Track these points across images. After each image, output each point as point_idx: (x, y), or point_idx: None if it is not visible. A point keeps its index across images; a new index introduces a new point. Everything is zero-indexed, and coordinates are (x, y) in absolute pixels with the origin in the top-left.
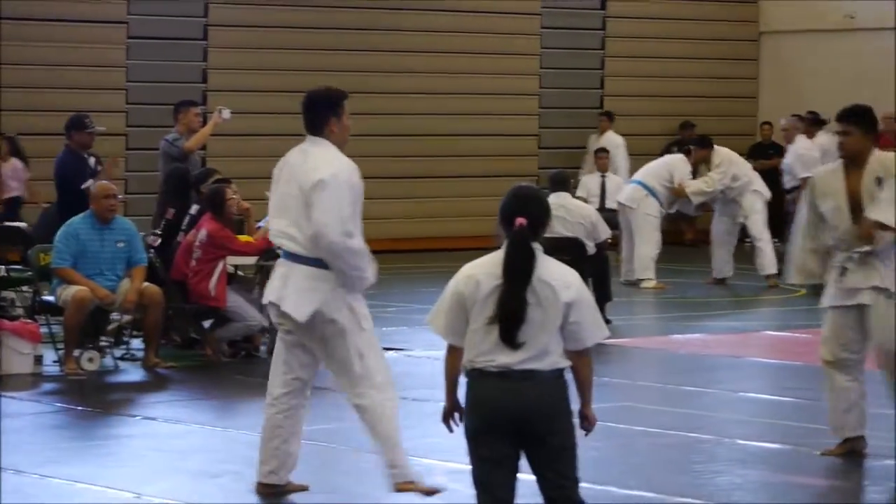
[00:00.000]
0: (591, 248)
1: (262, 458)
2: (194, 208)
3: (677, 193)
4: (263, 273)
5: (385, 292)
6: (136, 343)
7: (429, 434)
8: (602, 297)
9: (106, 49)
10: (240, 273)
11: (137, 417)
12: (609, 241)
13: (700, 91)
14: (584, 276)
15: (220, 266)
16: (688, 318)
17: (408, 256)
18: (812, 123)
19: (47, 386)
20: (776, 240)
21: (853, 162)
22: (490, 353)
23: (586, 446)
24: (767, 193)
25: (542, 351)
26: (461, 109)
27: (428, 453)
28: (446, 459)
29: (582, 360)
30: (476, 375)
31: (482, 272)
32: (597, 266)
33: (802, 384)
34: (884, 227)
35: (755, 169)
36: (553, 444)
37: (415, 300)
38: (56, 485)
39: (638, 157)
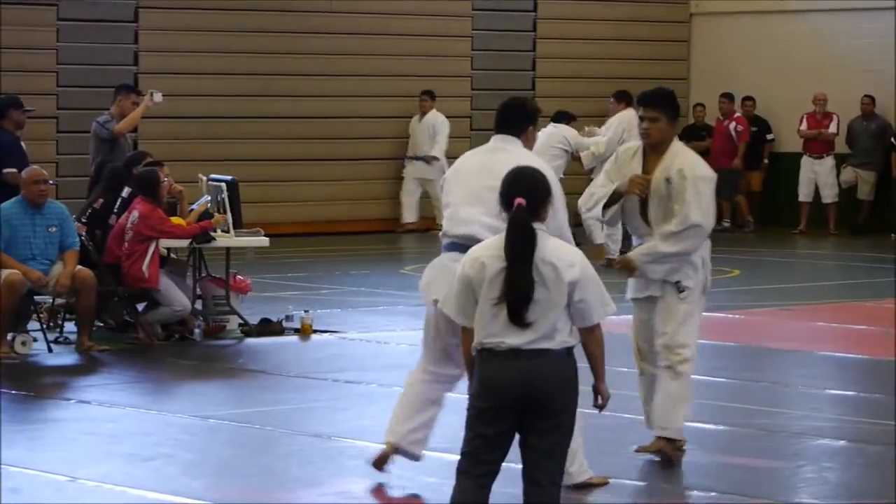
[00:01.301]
0: None
1: (411, 426)
2: (126, 191)
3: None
4: (196, 256)
5: (318, 275)
6: (70, 326)
7: (362, 416)
8: None
9: (36, 31)
10: (173, 256)
11: (71, 401)
12: None
13: (631, 73)
14: None
15: (153, 248)
16: (618, 299)
17: (344, 239)
18: (631, 102)
19: None
20: None
21: (654, 148)
22: (499, 335)
23: None
24: None
25: (550, 330)
26: (392, 91)
27: (361, 435)
28: (381, 442)
29: (590, 336)
30: (486, 355)
31: (487, 254)
32: None
33: (736, 365)
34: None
35: None
36: (553, 418)
37: (347, 283)
38: None
39: None
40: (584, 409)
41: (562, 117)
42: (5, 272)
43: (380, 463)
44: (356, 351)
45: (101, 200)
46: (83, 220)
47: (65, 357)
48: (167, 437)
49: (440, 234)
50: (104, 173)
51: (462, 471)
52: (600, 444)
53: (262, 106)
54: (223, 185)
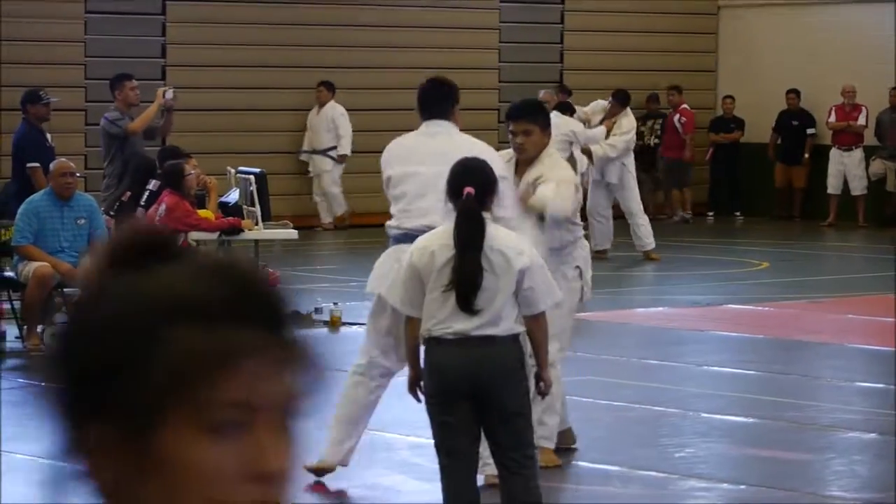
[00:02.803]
0: None
1: (350, 444)
2: (154, 184)
3: (586, 153)
4: (225, 249)
5: (346, 267)
6: None
7: (391, 408)
8: None
9: (64, 24)
10: (201, 249)
11: None
12: None
13: (659, 65)
14: None
15: (180, 241)
16: (649, 291)
17: (373, 231)
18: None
19: (9, 362)
20: (737, 212)
21: (528, 160)
22: (447, 321)
23: None
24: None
25: (496, 316)
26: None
27: (390, 427)
28: (408, 434)
29: (536, 323)
30: (434, 343)
31: (437, 243)
32: None
33: (765, 357)
34: None
35: (715, 142)
36: (507, 408)
37: None
38: (19, 461)
39: None
40: (614, 402)
41: (565, 108)
42: (35, 264)
43: (319, 474)
44: None
45: (128, 193)
46: (111, 214)
47: None
48: None
49: (389, 225)
50: (130, 166)
51: (442, 466)
52: (631, 436)
53: (290, 98)
54: (252, 177)
